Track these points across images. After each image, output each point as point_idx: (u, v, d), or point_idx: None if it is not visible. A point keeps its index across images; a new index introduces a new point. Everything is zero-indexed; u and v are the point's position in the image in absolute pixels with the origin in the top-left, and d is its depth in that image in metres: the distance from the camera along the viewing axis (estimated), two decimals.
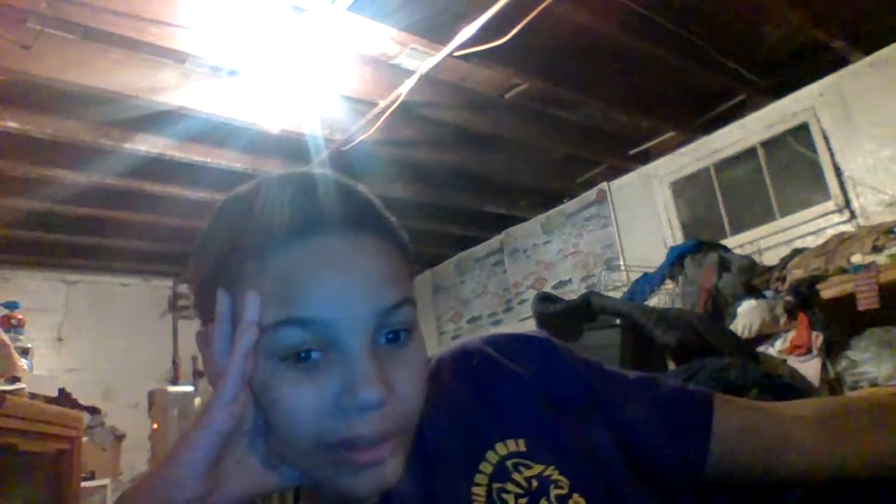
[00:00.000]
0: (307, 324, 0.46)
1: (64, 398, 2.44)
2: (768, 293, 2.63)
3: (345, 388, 0.46)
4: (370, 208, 0.52)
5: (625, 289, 3.38)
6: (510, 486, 0.54)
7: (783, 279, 2.58)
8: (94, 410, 3.99)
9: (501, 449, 0.56)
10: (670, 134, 3.57)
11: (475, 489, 0.54)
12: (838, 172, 2.98)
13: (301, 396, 0.46)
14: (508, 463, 0.56)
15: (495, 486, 0.54)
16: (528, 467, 0.56)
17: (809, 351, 2.36)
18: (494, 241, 4.70)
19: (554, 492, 0.54)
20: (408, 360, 0.50)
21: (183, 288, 4.72)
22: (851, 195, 2.94)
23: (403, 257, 0.53)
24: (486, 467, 0.55)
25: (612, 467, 0.58)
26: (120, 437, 4.12)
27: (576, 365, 0.63)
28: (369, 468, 0.47)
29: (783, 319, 2.50)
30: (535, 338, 0.64)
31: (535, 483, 0.54)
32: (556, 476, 0.55)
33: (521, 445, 0.57)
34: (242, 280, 0.48)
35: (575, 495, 0.54)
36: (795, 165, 3.16)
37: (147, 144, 2.80)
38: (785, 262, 2.70)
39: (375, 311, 0.48)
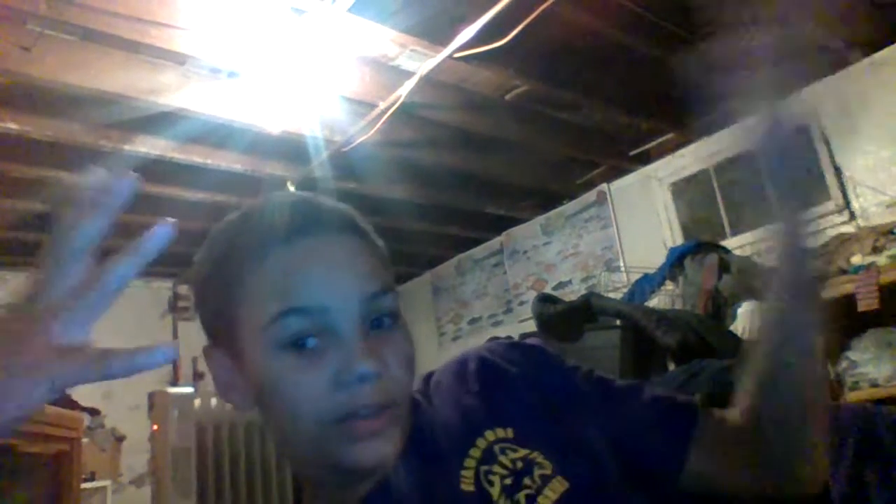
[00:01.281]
0: (305, 312, 0.53)
1: (64, 399, 2.45)
2: None
3: (343, 365, 0.52)
4: (349, 217, 0.60)
5: (625, 290, 3.38)
6: (496, 468, 0.58)
7: None
8: (94, 412, 3.99)
9: (490, 436, 0.60)
10: (670, 135, 3.57)
11: (464, 472, 0.58)
12: (838, 173, 2.98)
13: (304, 379, 0.52)
14: (496, 447, 0.59)
15: (483, 468, 0.58)
16: (515, 451, 0.59)
17: None
18: (494, 243, 4.70)
19: (538, 471, 0.57)
20: (396, 341, 0.56)
21: (183, 289, 4.72)
22: (851, 196, 2.94)
23: (381, 258, 0.61)
24: (476, 452, 0.59)
25: (598, 457, 0.60)
26: (120, 439, 4.12)
27: (565, 369, 0.67)
28: (370, 438, 0.52)
29: None
30: (529, 344, 0.70)
31: (519, 464, 0.58)
32: (540, 460, 0.58)
33: (510, 433, 0.60)
34: (243, 281, 0.54)
35: (559, 476, 0.57)
36: None
37: (147, 146, 2.80)
38: None
39: (362, 296, 0.54)
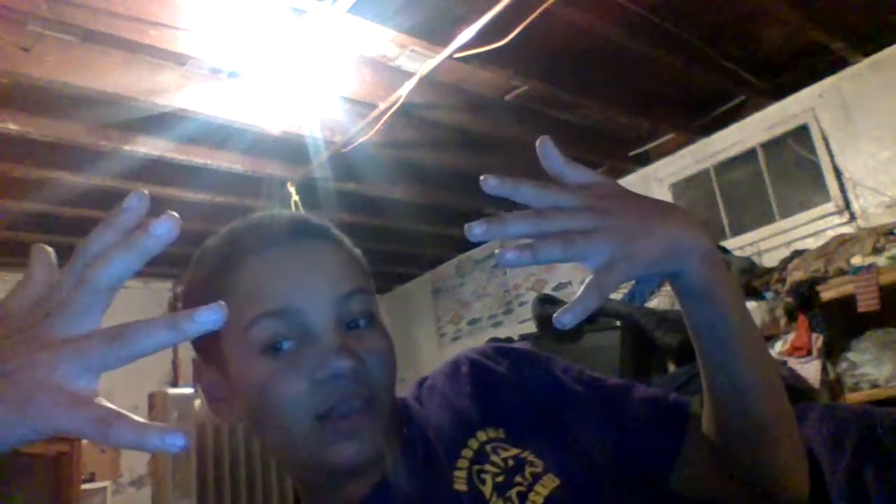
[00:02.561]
0: (279, 315, 0.53)
1: None
2: (768, 295, 2.63)
3: (318, 363, 0.52)
4: (322, 226, 0.61)
5: (625, 290, 3.38)
6: (488, 467, 0.58)
7: (783, 281, 2.58)
8: None
9: (482, 436, 0.61)
10: (670, 135, 3.57)
11: (457, 472, 0.58)
12: (838, 174, 2.98)
13: (284, 382, 0.53)
14: (488, 447, 0.60)
15: (475, 468, 0.58)
16: (506, 450, 0.59)
17: (809, 353, 2.36)
18: (495, 243, 4.69)
19: (529, 469, 0.57)
20: (372, 340, 0.56)
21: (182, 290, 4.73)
22: (851, 197, 2.94)
23: (357, 263, 0.62)
24: (468, 452, 0.60)
25: (589, 456, 0.60)
26: None
27: (555, 370, 0.67)
28: (351, 436, 0.52)
29: (783, 321, 2.50)
30: (518, 348, 0.70)
31: (511, 462, 0.58)
32: (531, 458, 0.59)
33: (501, 433, 0.61)
34: (221, 292, 0.55)
35: (550, 474, 0.57)
36: (795, 167, 3.16)
37: (147, 146, 2.80)
38: (785, 263, 2.70)
39: (334, 297, 0.55)
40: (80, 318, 0.35)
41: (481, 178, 0.45)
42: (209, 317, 0.33)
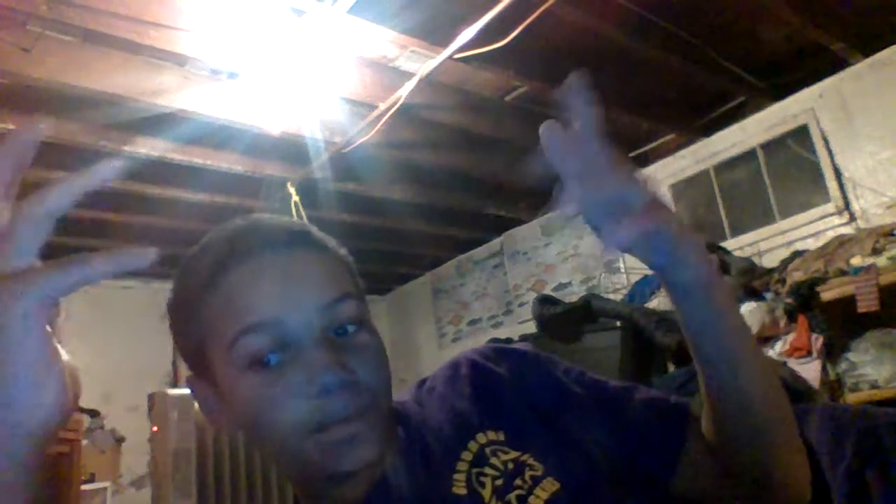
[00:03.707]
0: (262, 328, 0.52)
1: None
2: (768, 295, 2.63)
3: (306, 378, 0.51)
4: (301, 231, 0.59)
5: (625, 291, 3.38)
6: (488, 470, 0.58)
7: (783, 281, 2.58)
8: (93, 413, 3.99)
9: (482, 438, 0.60)
10: (670, 136, 3.57)
11: (456, 476, 0.58)
12: (838, 174, 2.98)
13: (272, 397, 0.52)
14: (487, 450, 0.59)
15: (474, 471, 0.58)
16: (506, 453, 0.59)
17: (809, 353, 2.36)
18: (495, 244, 4.70)
19: (529, 473, 0.57)
20: (362, 347, 0.55)
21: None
22: (851, 197, 2.94)
23: (343, 266, 0.60)
24: (468, 455, 0.59)
25: (590, 459, 0.60)
26: (120, 440, 4.11)
27: (557, 372, 0.66)
28: (349, 443, 0.52)
29: (783, 322, 2.50)
30: (519, 349, 0.70)
31: (511, 466, 0.58)
32: (531, 461, 0.58)
33: (501, 436, 0.61)
34: (201, 310, 0.54)
35: (550, 477, 0.57)
36: (795, 167, 3.16)
37: (147, 147, 2.80)
38: (785, 264, 2.70)
39: (319, 305, 0.54)
40: (16, 253, 0.39)
41: (541, 126, 0.49)
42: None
